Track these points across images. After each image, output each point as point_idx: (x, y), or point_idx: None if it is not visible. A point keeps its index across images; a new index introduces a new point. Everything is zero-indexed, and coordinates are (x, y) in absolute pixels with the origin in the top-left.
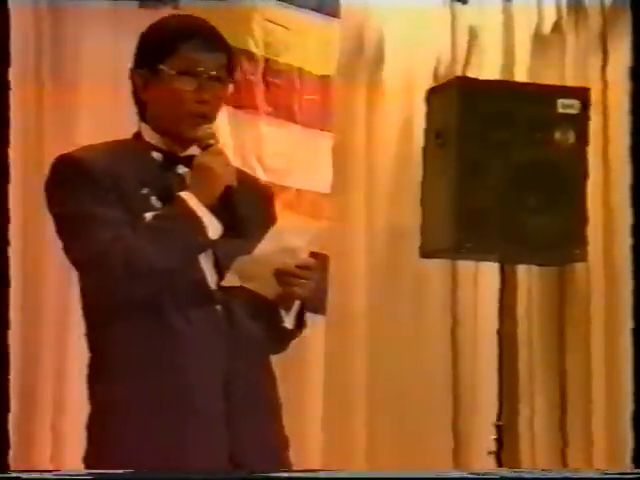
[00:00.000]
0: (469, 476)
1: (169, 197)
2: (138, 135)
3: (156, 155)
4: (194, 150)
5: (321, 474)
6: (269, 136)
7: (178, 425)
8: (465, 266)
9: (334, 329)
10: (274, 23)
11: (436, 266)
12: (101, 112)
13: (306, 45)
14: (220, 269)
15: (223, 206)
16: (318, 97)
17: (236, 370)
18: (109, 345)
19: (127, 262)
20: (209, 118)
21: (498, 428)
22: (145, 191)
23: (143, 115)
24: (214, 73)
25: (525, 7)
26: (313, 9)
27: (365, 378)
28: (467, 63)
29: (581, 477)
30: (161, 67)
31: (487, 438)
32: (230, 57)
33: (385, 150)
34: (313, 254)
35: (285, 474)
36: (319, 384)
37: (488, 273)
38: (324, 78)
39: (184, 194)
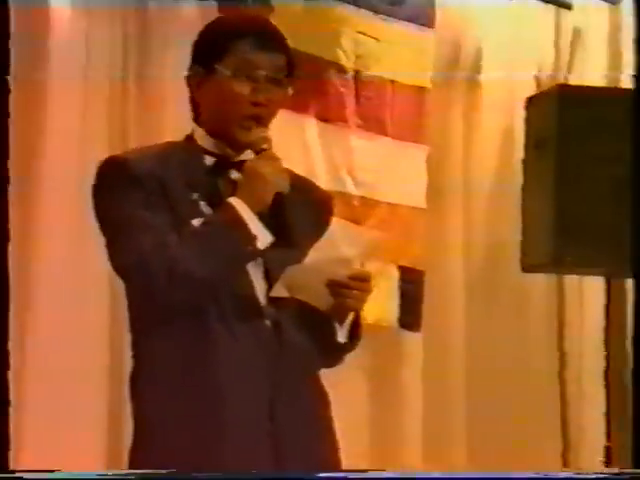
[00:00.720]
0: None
1: (220, 203)
2: (190, 138)
3: (208, 159)
4: (248, 155)
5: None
6: (360, 149)
7: (218, 443)
8: (570, 280)
9: (431, 346)
10: (365, 35)
11: (539, 281)
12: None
13: (399, 56)
14: (270, 280)
15: (274, 213)
16: (411, 109)
17: (283, 388)
18: (150, 355)
19: (169, 270)
20: (264, 121)
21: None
22: (195, 196)
23: (196, 116)
24: (271, 75)
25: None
26: (407, 19)
27: (464, 398)
28: (570, 68)
29: (582, 477)
30: (216, 66)
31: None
32: (289, 58)
33: (484, 161)
34: (408, 270)
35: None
36: (417, 405)
37: (594, 287)
38: (418, 89)
39: (233, 200)
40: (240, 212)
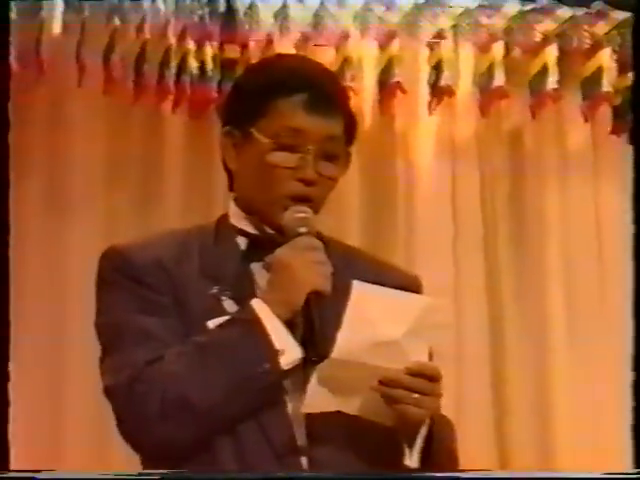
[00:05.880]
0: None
1: (249, 299)
2: (224, 217)
3: (240, 240)
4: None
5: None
6: None
7: None
8: None
9: None
10: None
11: None
12: None
13: None
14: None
15: (307, 318)
16: None
17: None
18: None
19: (162, 396)
20: (315, 203)
21: None
22: (215, 290)
23: (231, 188)
24: (324, 147)
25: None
26: None
27: None
28: None
29: (582, 477)
30: (251, 130)
31: None
32: (349, 122)
33: None
34: None
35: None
36: None
37: None
38: None
39: (255, 302)
40: (261, 318)
